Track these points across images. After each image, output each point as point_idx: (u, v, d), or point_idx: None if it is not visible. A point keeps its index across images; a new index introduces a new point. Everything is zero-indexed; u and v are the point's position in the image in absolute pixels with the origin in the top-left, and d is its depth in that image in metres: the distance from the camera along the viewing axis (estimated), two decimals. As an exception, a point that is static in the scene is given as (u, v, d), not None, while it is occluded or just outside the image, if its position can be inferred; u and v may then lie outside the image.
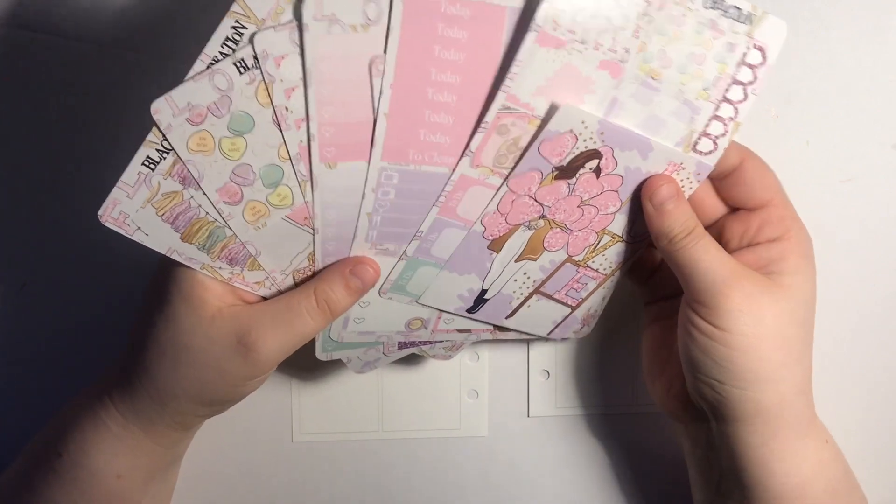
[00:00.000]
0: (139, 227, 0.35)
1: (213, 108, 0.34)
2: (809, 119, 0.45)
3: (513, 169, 0.38)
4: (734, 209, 0.41)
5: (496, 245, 0.40)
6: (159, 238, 0.36)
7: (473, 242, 0.40)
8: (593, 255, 0.41)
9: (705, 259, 0.37)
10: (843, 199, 0.46)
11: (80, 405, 0.39)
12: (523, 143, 0.37)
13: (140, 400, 0.38)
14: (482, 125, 0.36)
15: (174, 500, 0.45)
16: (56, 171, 0.45)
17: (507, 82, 0.35)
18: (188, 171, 0.34)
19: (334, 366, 0.45)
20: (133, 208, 0.35)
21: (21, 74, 0.44)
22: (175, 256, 0.36)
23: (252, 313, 0.36)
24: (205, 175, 0.35)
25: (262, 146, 0.35)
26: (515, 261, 0.41)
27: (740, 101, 0.37)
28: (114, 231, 0.45)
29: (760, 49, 0.37)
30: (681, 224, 0.38)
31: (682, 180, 0.39)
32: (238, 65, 0.33)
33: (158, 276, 0.38)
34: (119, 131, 0.44)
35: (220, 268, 0.37)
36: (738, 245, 0.40)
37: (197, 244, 0.36)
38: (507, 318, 0.43)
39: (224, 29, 0.33)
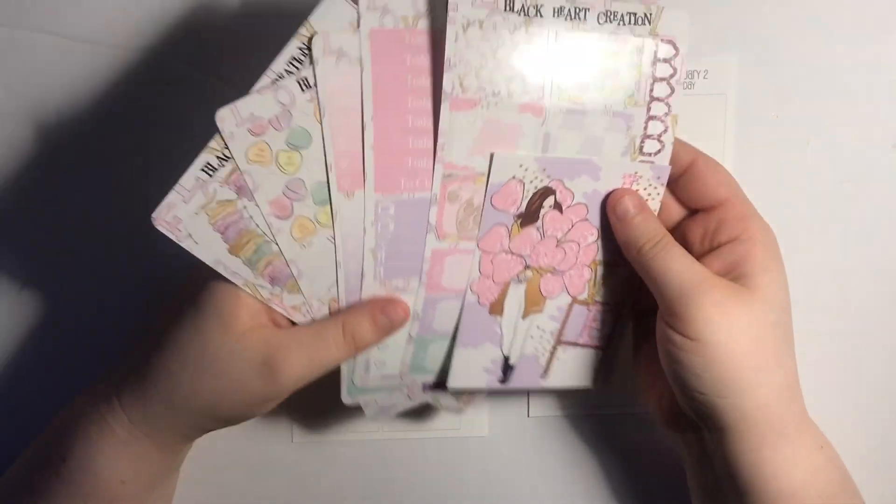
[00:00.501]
0: (190, 234, 0.35)
1: (273, 122, 0.35)
2: (809, 119, 0.45)
3: (478, 229, 0.39)
4: (694, 212, 0.40)
5: (496, 308, 0.41)
6: (208, 248, 0.36)
7: (473, 313, 0.41)
8: (596, 289, 0.41)
9: (673, 268, 0.37)
10: (843, 199, 0.46)
11: (84, 408, 0.39)
12: (478, 202, 0.38)
13: (153, 405, 0.37)
14: (432, 198, 0.37)
15: (174, 501, 0.45)
16: (55, 171, 0.45)
17: (439, 153, 0.37)
18: (244, 180, 0.35)
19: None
20: (187, 213, 0.35)
21: (19, 74, 0.44)
22: (220, 269, 0.36)
23: (280, 336, 0.37)
24: (259, 186, 0.35)
25: (316, 162, 0.36)
26: (522, 318, 0.41)
27: (669, 96, 0.38)
28: (114, 231, 0.45)
29: (669, 42, 0.37)
30: (647, 234, 0.38)
31: (644, 188, 0.39)
32: (301, 83, 0.35)
33: (191, 285, 0.38)
34: (118, 131, 0.44)
35: (261, 286, 0.37)
36: (701, 248, 0.39)
37: (243, 258, 0.37)
38: (543, 378, 0.42)
39: (291, 48, 0.34)
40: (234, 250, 0.36)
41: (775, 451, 0.37)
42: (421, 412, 0.47)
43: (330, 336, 0.37)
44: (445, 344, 0.41)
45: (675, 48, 0.37)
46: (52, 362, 0.46)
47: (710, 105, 0.44)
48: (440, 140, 0.36)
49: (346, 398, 0.42)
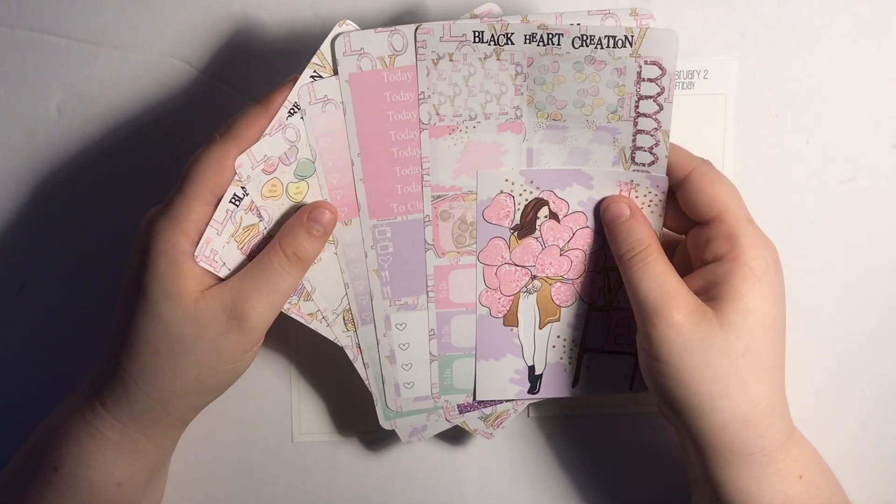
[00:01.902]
0: (224, 263, 0.38)
1: (283, 158, 0.38)
2: (809, 119, 0.45)
3: (476, 244, 0.40)
4: (697, 224, 0.39)
5: (510, 320, 0.41)
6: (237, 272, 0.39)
7: (487, 325, 0.41)
8: (613, 295, 0.41)
9: (643, 282, 0.37)
10: (843, 199, 0.46)
11: (69, 417, 0.38)
12: (471, 218, 0.40)
13: (138, 403, 0.37)
14: (425, 219, 0.39)
15: (174, 502, 0.45)
16: (55, 171, 0.45)
17: (425, 177, 0.38)
18: (260, 214, 0.38)
19: (334, 366, 0.45)
20: (221, 244, 0.37)
21: (19, 74, 0.44)
22: None
23: (233, 286, 0.37)
24: (273, 218, 0.38)
25: (319, 188, 0.39)
26: (539, 328, 0.41)
27: (656, 113, 0.37)
28: (113, 230, 0.45)
29: (654, 63, 0.36)
30: (630, 242, 0.38)
31: (643, 196, 0.39)
32: (304, 118, 0.37)
33: (133, 274, 0.37)
34: (118, 131, 0.44)
35: None
36: (694, 263, 0.39)
37: None
38: (574, 387, 0.43)
39: (304, 78, 0.37)
40: None
41: (739, 474, 0.36)
42: (453, 434, 0.47)
43: (276, 264, 0.37)
44: (470, 361, 0.42)
45: (661, 68, 0.36)
46: (52, 362, 0.46)
47: (710, 105, 0.44)
48: (424, 166, 0.38)
49: (383, 423, 0.43)
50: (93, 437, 0.37)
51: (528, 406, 0.48)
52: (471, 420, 0.44)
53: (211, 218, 0.36)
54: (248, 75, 0.44)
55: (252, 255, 0.38)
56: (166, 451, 0.40)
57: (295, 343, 0.46)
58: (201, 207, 0.36)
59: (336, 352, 0.42)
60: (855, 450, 0.46)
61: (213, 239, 0.37)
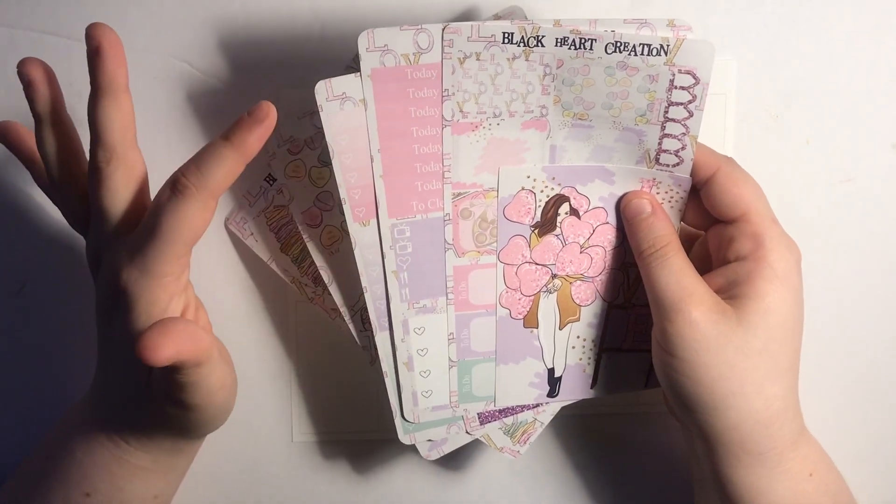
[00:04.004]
0: (252, 234, 0.42)
1: (308, 142, 0.40)
2: (809, 119, 0.45)
3: (496, 242, 0.39)
4: (719, 221, 0.39)
5: (530, 321, 0.41)
6: (264, 246, 0.43)
7: (507, 327, 0.40)
8: (632, 292, 0.41)
9: (661, 278, 0.36)
10: (843, 199, 0.46)
11: (90, 445, 0.38)
12: (492, 216, 0.39)
13: (158, 444, 0.38)
14: (445, 218, 0.38)
15: (174, 502, 0.45)
16: (56, 171, 0.44)
17: (445, 174, 0.38)
18: (283, 192, 0.41)
19: (334, 366, 0.45)
20: (252, 215, 0.42)
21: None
22: (273, 265, 0.43)
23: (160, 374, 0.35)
24: (294, 198, 0.40)
25: (338, 185, 0.38)
26: (560, 328, 0.41)
27: (686, 119, 0.37)
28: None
29: (689, 72, 0.36)
30: (650, 239, 0.37)
31: (664, 193, 0.39)
32: (321, 114, 0.37)
33: (107, 324, 0.36)
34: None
35: (306, 284, 0.43)
36: (715, 261, 0.39)
37: (291, 256, 0.43)
38: (592, 388, 0.42)
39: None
40: (284, 249, 0.43)
41: (749, 472, 0.36)
42: (475, 451, 0.47)
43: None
44: (490, 366, 0.41)
45: (696, 78, 0.36)
46: (52, 362, 0.46)
47: (710, 105, 0.44)
48: (445, 163, 0.37)
49: (402, 437, 0.41)
50: (124, 466, 0.38)
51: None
52: (495, 436, 0.42)
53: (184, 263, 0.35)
54: (248, 75, 0.44)
55: (279, 234, 0.42)
56: (194, 456, 0.42)
57: (295, 343, 0.46)
58: (177, 261, 0.35)
59: (336, 352, 0.42)
60: (857, 449, 0.47)
61: (244, 208, 0.42)
